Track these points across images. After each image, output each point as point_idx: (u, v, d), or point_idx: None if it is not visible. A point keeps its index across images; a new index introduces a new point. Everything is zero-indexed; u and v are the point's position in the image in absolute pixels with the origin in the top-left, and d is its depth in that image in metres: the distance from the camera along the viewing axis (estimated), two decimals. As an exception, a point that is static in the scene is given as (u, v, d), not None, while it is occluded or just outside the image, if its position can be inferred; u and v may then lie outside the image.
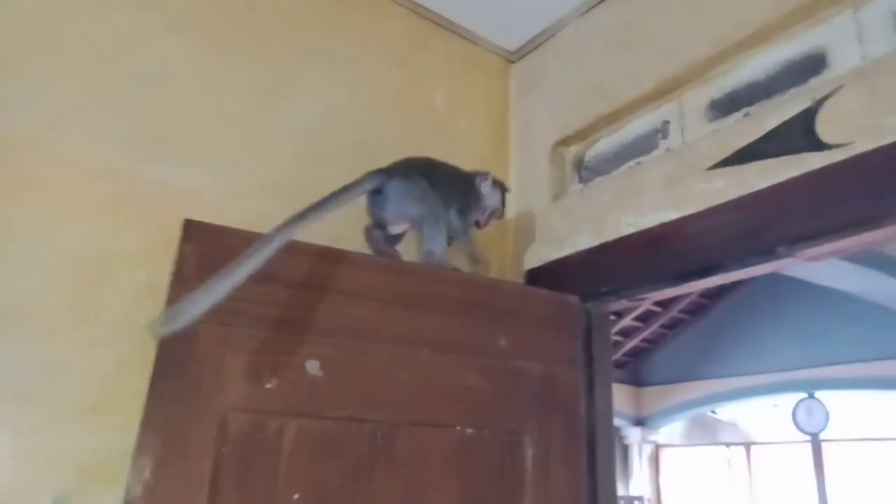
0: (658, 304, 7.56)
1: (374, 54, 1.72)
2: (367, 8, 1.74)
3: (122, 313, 1.18)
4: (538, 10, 1.84)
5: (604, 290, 1.51)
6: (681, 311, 8.00)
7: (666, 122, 1.56)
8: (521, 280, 1.71)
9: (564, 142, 1.80)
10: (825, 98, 1.17)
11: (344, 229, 1.32)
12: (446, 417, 1.25)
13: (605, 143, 1.72)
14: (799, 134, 1.20)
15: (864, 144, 1.09)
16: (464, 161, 1.56)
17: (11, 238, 1.12)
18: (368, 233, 1.41)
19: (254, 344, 1.08)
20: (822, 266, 3.55)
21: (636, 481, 8.55)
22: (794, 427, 7.29)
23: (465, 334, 1.31)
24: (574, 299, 1.49)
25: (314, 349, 1.13)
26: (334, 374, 1.14)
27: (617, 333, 7.81)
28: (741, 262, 1.26)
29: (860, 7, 1.22)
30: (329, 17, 1.66)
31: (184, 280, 1.04)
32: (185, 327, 0.96)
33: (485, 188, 1.51)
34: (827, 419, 7.01)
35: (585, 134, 1.76)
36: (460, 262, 1.43)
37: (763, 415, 8.27)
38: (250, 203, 1.38)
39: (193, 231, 1.08)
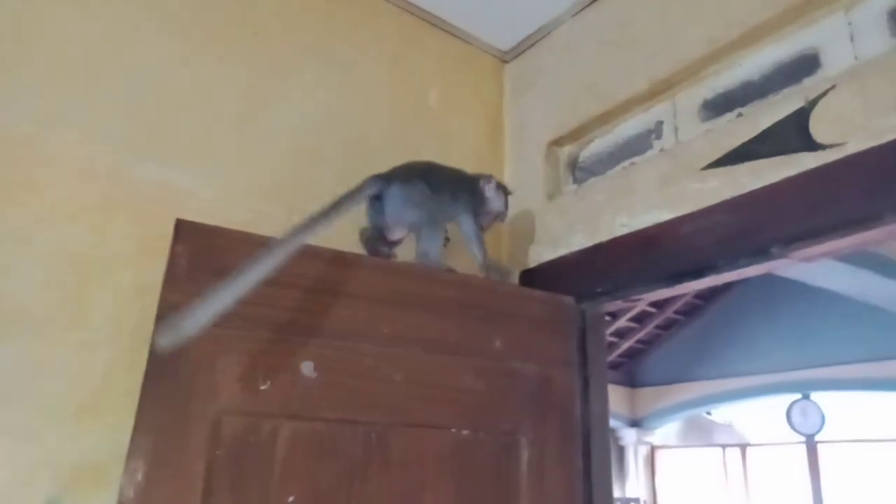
0: (653, 304, 7.56)
1: (366, 53, 1.71)
2: (359, 7, 1.74)
3: (113, 314, 1.17)
4: (532, 9, 1.85)
5: (598, 290, 1.51)
6: (676, 312, 8.00)
7: (660, 123, 1.56)
8: (515, 281, 1.70)
9: (559, 142, 1.80)
10: (818, 98, 1.18)
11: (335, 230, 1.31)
12: (441, 419, 1.24)
13: (599, 143, 1.72)
14: (792, 134, 1.20)
15: (857, 144, 1.09)
16: (458, 160, 1.56)
17: (1, 238, 1.11)
18: (366, 238, 1.40)
19: (247, 346, 1.08)
20: (815, 267, 3.56)
21: (632, 483, 8.54)
22: (789, 428, 7.30)
23: (460, 335, 1.30)
24: (569, 300, 1.49)
25: (308, 350, 1.12)
26: (328, 376, 1.13)
27: (612, 334, 7.80)
28: (735, 263, 1.26)
29: (852, 7, 1.22)
30: (322, 17, 1.66)
31: (175, 281, 1.04)
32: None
33: (489, 191, 1.50)
34: (822, 420, 7.02)
35: (579, 134, 1.76)
36: (456, 264, 1.42)
37: (758, 416, 8.28)
38: (243, 203, 1.37)
39: (185, 231, 1.08)
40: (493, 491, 1.26)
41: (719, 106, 1.42)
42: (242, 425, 1.04)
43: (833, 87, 1.16)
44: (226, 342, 1.05)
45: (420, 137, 1.76)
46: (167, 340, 0.92)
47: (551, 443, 1.35)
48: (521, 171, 1.87)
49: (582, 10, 1.79)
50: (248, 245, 1.12)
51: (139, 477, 0.94)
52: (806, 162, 1.16)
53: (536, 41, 1.94)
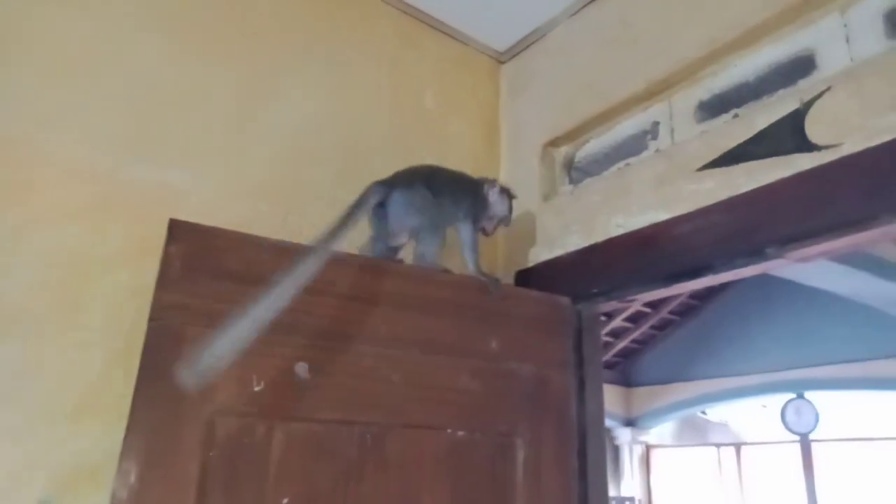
0: (648, 305, 7.57)
1: (363, 54, 1.71)
2: (355, 8, 1.73)
3: (107, 315, 1.16)
4: (528, 10, 1.84)
5: (594, 291, 1.51)
6: (671, 313, 8.01)
7: (655, 123, 1.56)
8: (511, 281, 1.70)
9: (555, 142, 1.80)
10: (814, 99, 1.18)
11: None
12: (438, 419, 1.24)
13: (594, 144, 1.72)
14: (788, 135, 1.20)
15: (852, 145, 1.09)
16: (454, 161, 1.55)
17: (-6, 239, 1.10)
18: (370, 245, 1.39)
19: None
20: (811, 267, 3.57)
21: (627, 482, 8.56)
22: (783, 427, 7.32)
23: (456, 336, 1.30)
24: (565, 300, 1.49)
25: (302, 351, 1.12)
26: (323, 377, 1.13)
27: (607, 334, 7.82)
28: (730, 263, 1.26)
29: (847, 9, 1.22)
30: (318, 17, 1.65)
31: (169, 281, 1.03)
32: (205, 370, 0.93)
33: (493, 196, 1.48)
34: (816, 419, 7.05)
35: (575, 134, 1.76)
36: (453, 265, 1.42)
37: (753, 415, 8.31)
38: (238, 204, 1.37)
39: (179, 231, 1.07)
40: (490, 491, 1.26)
41: (715, 107, 1.42)
42: (237, 426, 1.04)
43: (829, 88, 1.16)
44: (220, 343, 1.05)
45: (417, 138, 1.75)
46: (193, 383, 0.92)
47: (547, 443, 1.35)
48: (517, 172, 1.86)
49: (579, 10, 1.79)
50: (242, 245, 1.11)
51: (132, 478, 0.93)
52: (801, 163, 1.16)
53: (532, 42, 1.94)
